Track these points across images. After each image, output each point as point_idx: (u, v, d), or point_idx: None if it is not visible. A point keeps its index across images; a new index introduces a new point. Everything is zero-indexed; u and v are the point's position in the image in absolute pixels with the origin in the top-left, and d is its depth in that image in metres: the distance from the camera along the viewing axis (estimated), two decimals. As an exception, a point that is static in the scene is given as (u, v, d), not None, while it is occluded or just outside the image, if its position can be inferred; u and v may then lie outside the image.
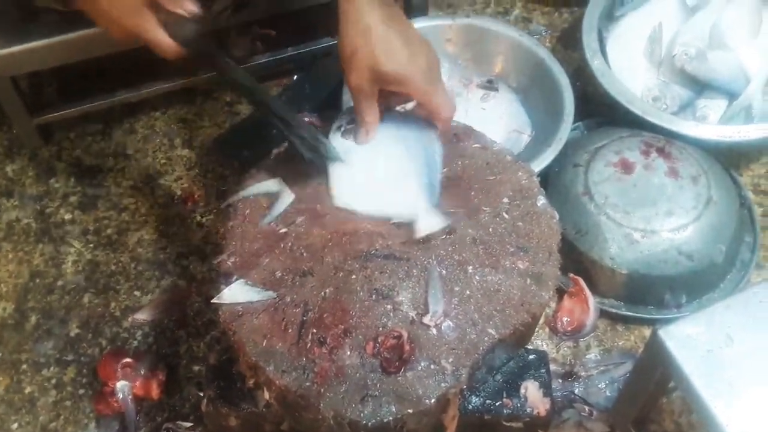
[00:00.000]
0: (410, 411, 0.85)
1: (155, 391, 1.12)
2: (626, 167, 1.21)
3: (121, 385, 1.11)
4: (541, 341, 1.18)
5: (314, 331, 0.90)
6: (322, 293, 0.93)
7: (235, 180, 1.09)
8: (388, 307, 0.92)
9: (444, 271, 0.94)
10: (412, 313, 0.91)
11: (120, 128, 1.42)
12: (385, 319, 0.91)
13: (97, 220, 1.32)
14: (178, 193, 1.34)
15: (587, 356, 1.16)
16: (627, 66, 1.34)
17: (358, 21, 0.94)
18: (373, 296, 0.92)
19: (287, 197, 1.00)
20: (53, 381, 1.16)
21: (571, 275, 1.19)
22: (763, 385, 0.81)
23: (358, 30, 0.94)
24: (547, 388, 0.99)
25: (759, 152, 1.36)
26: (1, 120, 1.39)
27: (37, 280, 1.25)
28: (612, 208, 1.18)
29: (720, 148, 1.28)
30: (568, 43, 1.50)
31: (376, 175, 1.00)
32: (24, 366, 1.17)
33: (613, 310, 1.19)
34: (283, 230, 0.99)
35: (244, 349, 0.91)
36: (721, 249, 1.18)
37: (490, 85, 1.40)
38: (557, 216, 1.00)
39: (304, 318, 0.91)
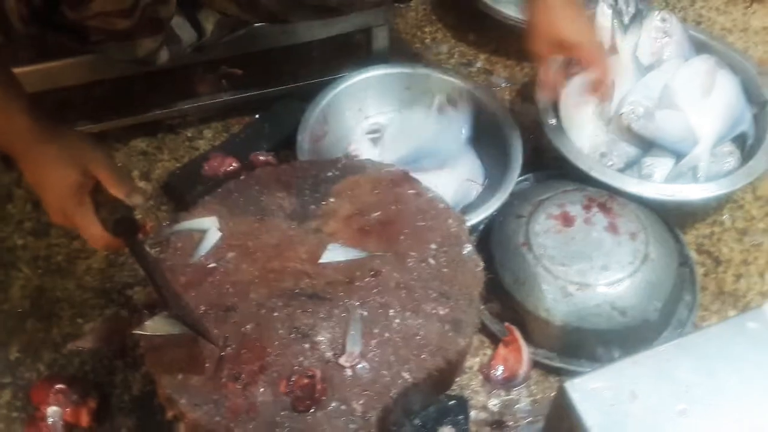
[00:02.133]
0: (316, 450, 0.87)
1: (85, 419, 1.12)
2: (567, 220, 1.22)
3: (52, 411, 1.12)
4: (473, 389, 1.18)
5: (231, 366, 0.92)
6: (243, 329, 0.95)
7: (182, 219, 1.11)
8: (306, 346, 0.94)
9: (365, 313, 0.96)
10: (329, 353, 0.93)
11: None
12: (301, 358, 0.93)
13: (49, 246, 1.33)
14: (131, 223, 1.36)
15: (517, 406, 1.17)
16: (577, 122, 1.35)
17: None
18: (293, 334, 0.94)
19: (214, 235, 1.02)
20: (-12, 403, 1.17)
21: (507, 324, 1.20)
22: (662, 442, 0.82)
23: (540, 8, 1.22)
24: (464, 435, 1.00)
25: (705, 212, 1.38)
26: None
27: (-17, 303, 1.27)
28: (549, 260, 1.19)
29: (667, 207, 1.29)
30: (526, 96, 1.53)
31: None
32: (-39, 386, 1.18)
33: (546, 361, 1.19)
34: (212, 265, 1.01)
35: (160, 381, 0.92)
36: (657, 306, 1.18)
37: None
38: (482, 264, 1.02)
39: (222, 353, 0.93)
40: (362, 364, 0.92)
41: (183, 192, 1.37)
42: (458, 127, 1.40)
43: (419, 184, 1.10)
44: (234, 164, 1.40)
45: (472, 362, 1.20)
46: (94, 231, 0.96)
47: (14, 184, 1.41)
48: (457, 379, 1.15)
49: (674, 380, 0.86)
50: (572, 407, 0.85)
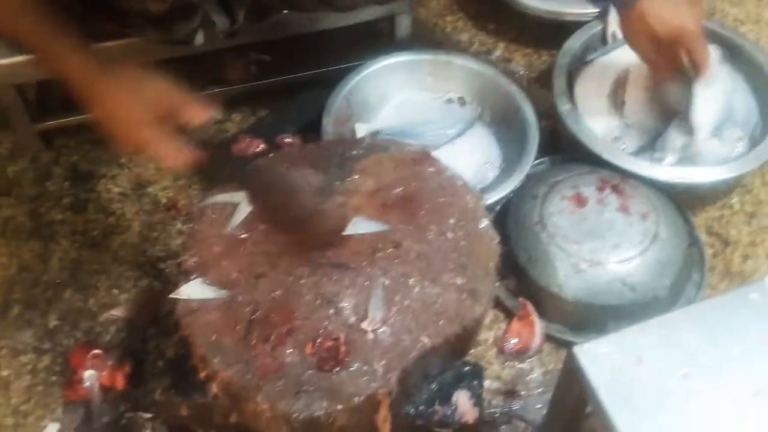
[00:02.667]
0: (340, 407, 0.93)
1: (120, 382, 1.19)
2: (580, 201, 1.27)
3: (88, 374, 1.18)
4: (488, 360, 1.23)
5: (260, 329, 0.98)
6: (272, 295, 1.01)
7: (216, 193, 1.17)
8: (331, 311, 0.99)
9: (387, 282, 1.02)
10: (353, 318, 0.99)
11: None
12: (326, 322, 0.99)
13: (86, 222, 1.40)
14: (164, 201, 1.43)
15: (530, 377, 1.22)
16: (592, 107, 1.41)
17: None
18: (318, 300, 1.00)
19: (244, 209, 1.08)
20: (29, 367, 1.23)
21: (521, 299, 1.25)
22: (664, 405, 0.87)
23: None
24: (477, 399, 1.05)
25: (715, 196, 1.43)
26: (7, 124, 1.49)
27: (24, 274, 1.34)
28: (563, 239, 1.24)
29: (677, 190, 1.34)
30: (543, 83, 1.58)
31: None
32: (3, 351, 1.25)
33: (558, 335, 1.25)
34: (244, 236, 1.07)
35: (195, 342, 0.99)
36: (666, 284, 1.23)
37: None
38: (497, 238, 1.07)
39: (253, 317, 0.99)
40: (384, 329, 0.98)
41: (213, 172, 1.42)
42: (456, 122, 1.47)
43: (439, 162, 1.15)
44: (261, 146, 1.46)
45: (488, 335, 1.26)
46: (181, 152, 0.98)
47: (53, 163, 1.48)
48: (473, 351, 1.21)
49: (679, 346, 0.91)
50: (581, 371, 0.90)
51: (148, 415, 1.18)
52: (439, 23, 1.74)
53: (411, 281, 1.02)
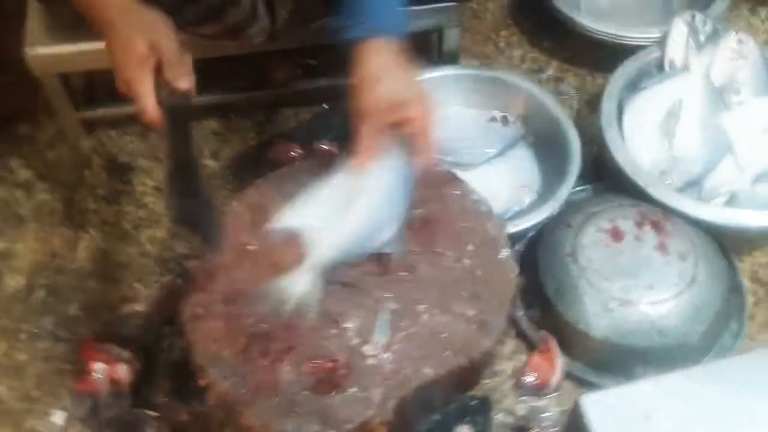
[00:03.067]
0: (331, 432, 0.90)
1: (129, 378, 1.18)
2: (616, 235, 1.22)
3: (98, 367, 1.18)
4: (503, 392, 1.19)
5: (261, 342, 0.96)
6: (276, 309, 0.99)
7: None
8: (334, 331, 0.97)
9: (395, 306, 0.99)
10: (355, 341, 0.96)
11: (156, 132, 1.51)
12: (328, 343, 0.96)
13: (118, 213, 1.41)
14: (195, 198, 1.42)
15: (544, 414, 1.16)
16: (641, 137, 1.34)
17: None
18: (323, 319, 0.98)
19: None
20: (44, 353, 1.24)
21: (544, 333, 1.20)
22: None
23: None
24: (482, 435, 1.01)
25: (764, 241, 1.34)
26: (51, 110, 1.50)
27: (51, 259, 1.35)
28: (594, 273, 1.18)
29: (724, 232, 1.27)
30: (593, 107, 1.52)
31: None
32: (23, 335, 1.26)
33: (580, 375, 1.19)
34: (256, 247, 1.05)
35: (196, 350, 0.97)
36: (699, 330, 1.16)
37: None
38: (516, 270, 1.03)
39: (255, 330, 0.97)
40: (386, 355, 0.95)
41: (247, 173, 1.41)
42: (497, 141, 1.43)
43: (465, 185, 1.12)
44: (298, 151, 1.44)
45: (506, 366, 1.21)
46: (148, 102, 0.96)
47: (92, 152, 1.50)
48: (488, 381, 1.17)
49: (693, 405, 0.86)
50: (585, 422, 0.86)
51: (154, 414, 1.17)
52: (492, 37, 1.69)
53: (420, 308, 0.99)
